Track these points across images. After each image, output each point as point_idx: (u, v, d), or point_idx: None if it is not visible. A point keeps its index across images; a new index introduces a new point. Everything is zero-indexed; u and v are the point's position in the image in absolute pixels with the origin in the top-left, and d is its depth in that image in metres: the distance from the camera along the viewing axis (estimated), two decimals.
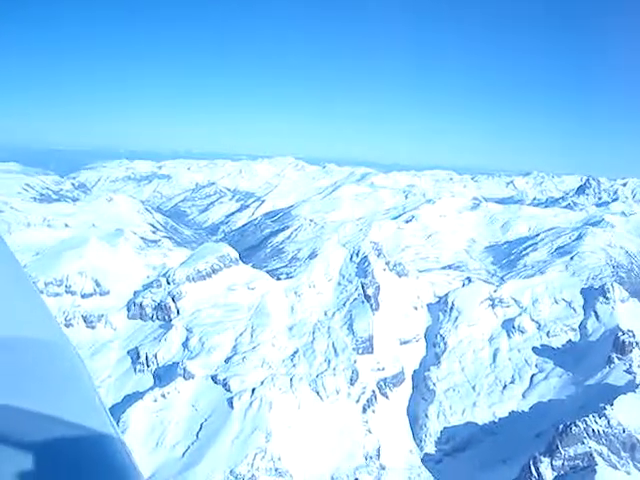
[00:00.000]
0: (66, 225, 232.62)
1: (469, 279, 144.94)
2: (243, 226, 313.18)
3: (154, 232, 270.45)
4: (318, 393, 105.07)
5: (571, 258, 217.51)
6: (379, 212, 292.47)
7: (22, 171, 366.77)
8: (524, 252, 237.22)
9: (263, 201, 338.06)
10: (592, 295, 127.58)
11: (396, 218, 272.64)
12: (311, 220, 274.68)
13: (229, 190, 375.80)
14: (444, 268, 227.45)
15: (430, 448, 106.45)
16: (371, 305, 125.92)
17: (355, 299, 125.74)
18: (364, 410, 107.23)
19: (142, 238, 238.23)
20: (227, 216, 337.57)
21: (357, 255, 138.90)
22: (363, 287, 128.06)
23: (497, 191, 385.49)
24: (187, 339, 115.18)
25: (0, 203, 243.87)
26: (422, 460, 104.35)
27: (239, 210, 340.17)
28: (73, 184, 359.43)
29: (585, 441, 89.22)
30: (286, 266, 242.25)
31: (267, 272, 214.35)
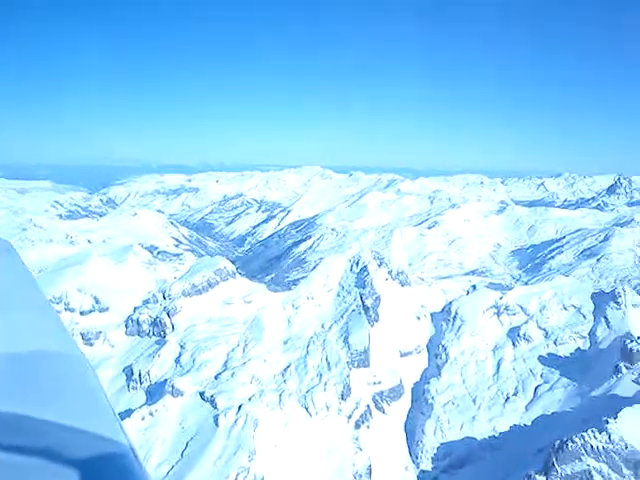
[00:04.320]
0: (89, 241, 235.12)
1: (474, 286, 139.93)
2: (269, 237, 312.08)
3: (177, 246, 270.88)
4: (307, 409, 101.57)
5: (597, 260, 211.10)
6: (404, 219, 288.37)
7: (53, 188, 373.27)
8: (550, 255, 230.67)
9: (289, 211, 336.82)
10: (603, 300, 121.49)
11: (420, 224, 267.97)
12: (333, 229, 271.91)
13: (256, 201, 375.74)
14: (467, 274, 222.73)
15: (426, 465, 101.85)
16: (369, 316, 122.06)
17: (353, 310, 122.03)
18: (357, 426, 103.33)
19: (164, 252, 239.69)
20: (253, 227, 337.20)
21: (357, 265, 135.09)
22: (362, 298, 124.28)
23: (527, 194, 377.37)
24: (180, 355, 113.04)
25: (24, 221, 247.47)
26: (417, 477, 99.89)
27: (265, 221, 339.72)
28: (101, 200, 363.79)
29: (583, 458, 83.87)
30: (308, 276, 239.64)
31: (289, 282, 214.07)
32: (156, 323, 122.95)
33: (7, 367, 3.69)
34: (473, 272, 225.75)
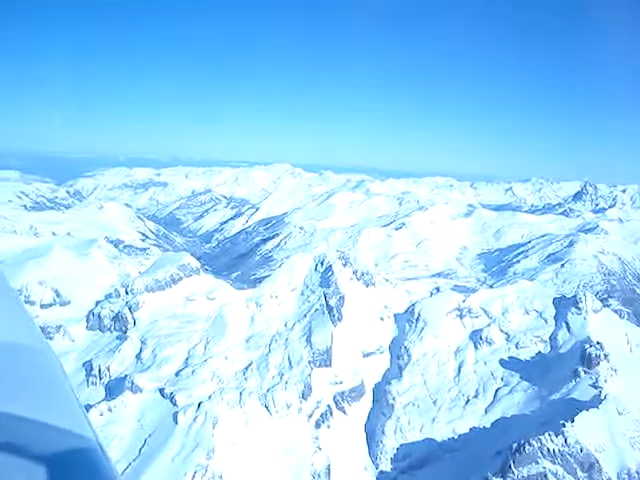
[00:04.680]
0: (53, 233, 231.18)
1: (438, 289, 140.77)
2: (237, 234, 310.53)
3: (143, 240, 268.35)
4: (268, 408, 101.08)
5: (562, 265, 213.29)
6: (372, 219, 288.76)
7: (20, 178, 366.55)
8: (515, 259, 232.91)
9: (257, 208, 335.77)
10: (564, 305, 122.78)
11: (387, 225, 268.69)
12: (301, 228, 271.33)
13: (225, 197, 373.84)
14: (433, 276, 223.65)
15: (385, 465, 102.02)
16: (333, 316, 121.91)
17: (317, 310, 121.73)
18: (317, 425, 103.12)
19: (130, 246, 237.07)
20: (221, 224, 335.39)
21: (322, 264, 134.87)
22: (325, 297, 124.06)
23: (495, 198, 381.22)
24: (141, 351, 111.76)
25: None
26: (376, 478, 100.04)
27: (233, 217, 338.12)
28: (68, 192, 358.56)
29: (539, 461, 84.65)
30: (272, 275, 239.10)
31: (255, 280, 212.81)
32: (118, 318, 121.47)
33: None
34: (439, 274, 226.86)
